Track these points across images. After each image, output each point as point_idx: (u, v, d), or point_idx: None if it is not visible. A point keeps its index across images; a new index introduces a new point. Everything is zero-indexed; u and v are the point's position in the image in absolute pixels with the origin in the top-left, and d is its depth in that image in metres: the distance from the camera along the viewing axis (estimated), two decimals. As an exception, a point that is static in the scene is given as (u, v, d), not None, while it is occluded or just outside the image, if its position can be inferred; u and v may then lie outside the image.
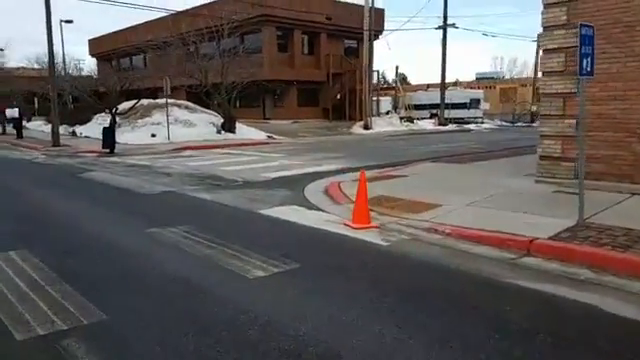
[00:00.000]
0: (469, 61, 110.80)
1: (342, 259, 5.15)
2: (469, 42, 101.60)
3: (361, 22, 36.93)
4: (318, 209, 7.51)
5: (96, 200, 8.61)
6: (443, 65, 34.56)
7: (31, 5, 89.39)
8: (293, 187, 9.52)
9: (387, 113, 37.25)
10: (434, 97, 38.22)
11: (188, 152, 18.22)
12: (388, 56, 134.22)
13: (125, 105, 25.63)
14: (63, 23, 34.46)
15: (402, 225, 6.25)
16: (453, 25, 33.77)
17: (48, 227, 6.55)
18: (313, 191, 8.99)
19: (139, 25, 43.79)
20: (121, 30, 46.51)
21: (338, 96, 38.14)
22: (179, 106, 25.46)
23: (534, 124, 40.52)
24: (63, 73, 30.89)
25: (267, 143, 22.48)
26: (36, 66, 53.39)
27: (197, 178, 11.00)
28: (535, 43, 42.05)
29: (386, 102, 39.76)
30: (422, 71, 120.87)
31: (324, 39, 38.51)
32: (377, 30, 34.03)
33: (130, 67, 44.87)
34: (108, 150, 17.66)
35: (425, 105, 38.47)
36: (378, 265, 4.97)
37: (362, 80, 36.58)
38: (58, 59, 29.15)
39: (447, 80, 54.50)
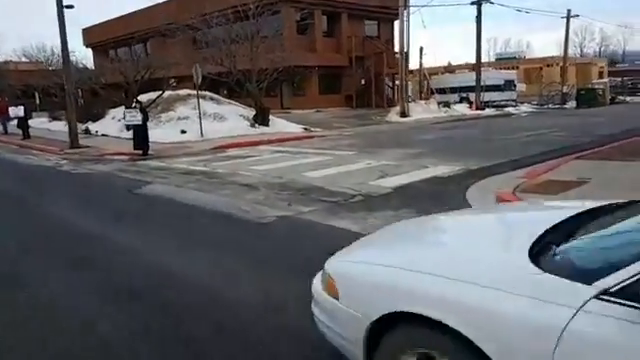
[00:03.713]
0: (461, 45, 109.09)
1: None
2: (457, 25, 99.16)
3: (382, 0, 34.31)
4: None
5: (196, 239, 5.99)
6: (478, 45, 32.03)
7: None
8: (446, 206, 7.02)
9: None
10: (464, 79, 35.66)
11: (234, 151, 15.63)
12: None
13: (142, 98, 22.89)
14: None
15: None
16: (488, 1, 31.12)
17: (168, 309, 3.99)
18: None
19: (140, 11, 40.83)
20: (120, 17, 43.42)
21: (363, 81, 35.49)
22: (204, 97, 22.64)
23: (566, 106, 38.18)
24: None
25: (311, 137, 19.87)
26: (24, 59, 50.12)
27: (294, 191, 8.44)
28: (564, 20, 39.77)
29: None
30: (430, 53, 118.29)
31: (345, 20, 35.72)
32: (396, 8, 30.98)
33: (131, 57, 41.74)
34: (141, 152, 15.04)
35: (455, 88, 35.88)
36: None
37: (390, 64, 34.10)
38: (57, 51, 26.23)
39: (453, 63, 52.15)
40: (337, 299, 2.48)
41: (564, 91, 39.54)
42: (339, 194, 8.08)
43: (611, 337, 1.60)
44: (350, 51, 35.56)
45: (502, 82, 35.49)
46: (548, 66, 45.46)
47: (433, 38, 52.26)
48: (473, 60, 34.62)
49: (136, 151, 15.18)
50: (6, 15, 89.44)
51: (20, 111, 21.29)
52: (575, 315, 1.65)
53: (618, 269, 1.67)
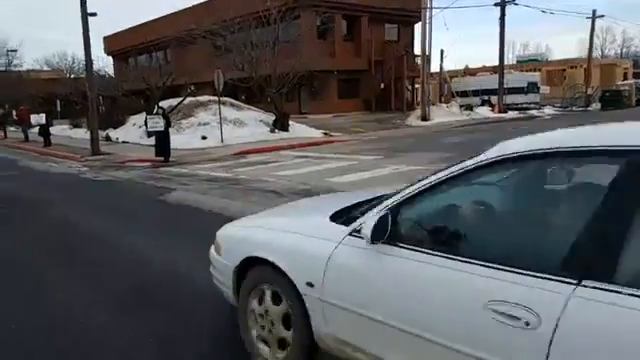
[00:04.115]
0: (478, 48, 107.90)
1: None
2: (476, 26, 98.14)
3: (403, 2, 33.91)
4: None
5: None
6: (501, 46, 31.34)
7: (35, 9, 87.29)
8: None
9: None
10: (486, 82, 35.08)
11: (254, 157, 15.41)
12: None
13: (163, 104, 22.88)
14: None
15: None
16: (513, 1, 30.52)
17: None
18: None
19: (161, 18, 41.15)
20: (141, 25, 43.80)
21: (382, 85, 35.15)
22: (224, 103, 22.54)
23: (590, 108, 37.21)
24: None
25: (331, 142, 19.59)
26: (45, 68, 50.75)
27: (323, 198, 8.13)
28: (584, 22, 38.91)
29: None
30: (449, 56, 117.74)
31: (365, 24, 35.41)
32: (416, 11, 30.50)
33: (151, 64, 41.90)
34: (163, 158, 14.90)
35: (477, 91, 35.33)
36: None
37: (410, 67, 33.77)
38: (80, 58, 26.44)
39: (470, 66, 51.29)
40: (220, 255, 3.29)
41: (589, 93, 38.63)
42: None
43: (352, 259, 2.41)
44: (370, 55, 35.27)
45: (525, 84, 34.78)
46: (572, 68, 44.49)
47: (451, 41, 51.65)
48: (490, 63, 34.13)
49: (158, 158, 15.05)
50: (26, 23, 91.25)
51: (42, 119, 21.44)
52: (338, 246, 2.49)
53: (358, 218, 2.51)
